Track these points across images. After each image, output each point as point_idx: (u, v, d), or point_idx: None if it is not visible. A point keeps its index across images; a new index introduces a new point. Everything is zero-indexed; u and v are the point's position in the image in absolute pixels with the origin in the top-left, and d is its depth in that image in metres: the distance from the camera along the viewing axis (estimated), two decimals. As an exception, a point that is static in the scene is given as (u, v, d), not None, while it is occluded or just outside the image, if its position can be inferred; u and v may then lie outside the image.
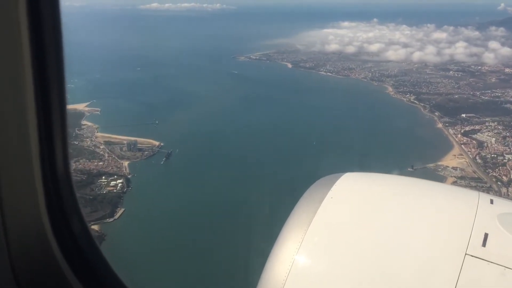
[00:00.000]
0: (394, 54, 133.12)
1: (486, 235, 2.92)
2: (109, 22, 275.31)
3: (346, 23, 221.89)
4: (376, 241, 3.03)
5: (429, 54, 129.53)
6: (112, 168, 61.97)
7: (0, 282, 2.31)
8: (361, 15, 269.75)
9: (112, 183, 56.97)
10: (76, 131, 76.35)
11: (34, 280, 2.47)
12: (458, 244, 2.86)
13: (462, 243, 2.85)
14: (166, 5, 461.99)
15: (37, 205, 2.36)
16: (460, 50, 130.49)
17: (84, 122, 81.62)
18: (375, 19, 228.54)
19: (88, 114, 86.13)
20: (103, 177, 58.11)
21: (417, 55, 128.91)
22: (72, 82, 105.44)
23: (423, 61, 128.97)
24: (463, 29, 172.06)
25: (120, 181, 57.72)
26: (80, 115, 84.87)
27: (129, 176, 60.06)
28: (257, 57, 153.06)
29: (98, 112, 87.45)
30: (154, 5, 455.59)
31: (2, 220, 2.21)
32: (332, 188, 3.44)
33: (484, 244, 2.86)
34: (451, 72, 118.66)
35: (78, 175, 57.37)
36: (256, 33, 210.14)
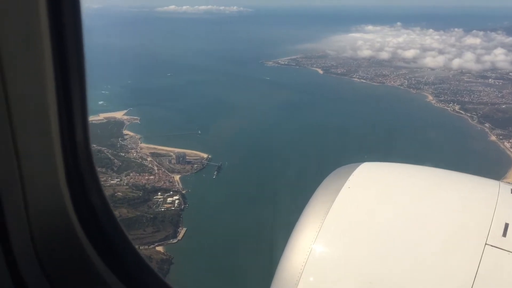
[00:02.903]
0: (432, 60, 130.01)
1: (506, 225, 2.88)
2: (128, 24, 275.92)
3: (370, 27, 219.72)
4: (394, 230, 2.97)
5: (468, 61, 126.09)
6: (164, 183, 60.02)
7: (21, 257, 2.30)
8: (380, 18, 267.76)
9: (169, 199, 55.00)
10: (120, 141, 74.95)
11: (54, 254, 2.47)
12: (478, 234, 2.82)
13: (482, 233, 2.81)
14: (184, 7, 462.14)
15: (57, 180, 2.38)
16: (500, 57, 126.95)
17: (125, 131, 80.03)
18: (398, 23, 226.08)
19: (128, 123, 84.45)
20: (159, 193, 56.14)
21: (456, 62, 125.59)
22: (106, 88, 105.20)
23: (459, 68, 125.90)
24: (494, 34, 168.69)
25: (177, 197, 55.77)
26: (120, 124, 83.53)
27: (183, 192, 58.03)
28: (286, 62, 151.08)
29: (138, 121, 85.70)
30: (172, 7, 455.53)
31: (23, 195, 2.22)
32: (349, 178, 3.40)
33: (504, 234, 2.82)
34: (490, 80, 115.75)
35: (133, 191, 55.78)
36: (278, 37, 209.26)
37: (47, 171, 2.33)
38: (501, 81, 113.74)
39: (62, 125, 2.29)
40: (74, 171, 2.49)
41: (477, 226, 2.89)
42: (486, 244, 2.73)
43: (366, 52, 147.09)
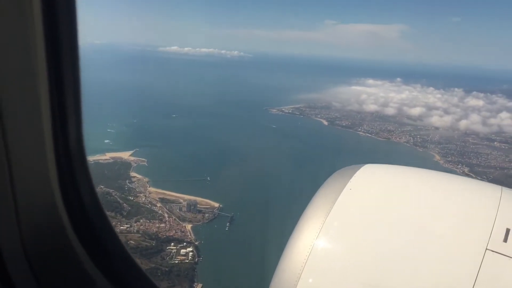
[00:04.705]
0: (439, 120, 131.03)
1: (507, 231, 2.84)
2: (131, 62, 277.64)
3: (371, 81, 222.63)
4: (394, 233, 2.91)
5: (474, 123, 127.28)
6: (176, 233, 57.61)
7: (9, 253, 2.33)
8: (378, 72, 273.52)
9: (182, 251, 52.52)
10: (128, 183, 72.76)
11: (43, 254, 2.49)
12: (478, 239, 2.78)
13: (482, 238, 2.77)
14: (186, 48, 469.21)
15: (48, 178, 2.40)
16: (507, 122, 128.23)
17: (132, 173, 77.86)
18: (398, 79, 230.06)
19: (135, 164, 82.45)
20: (172, 244, 53.72)
21: (463, 124, 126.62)
22: (111, 126, 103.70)
23: (465, 129, 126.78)
24: (495, 97, 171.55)
25: (190, 249, 53.32)
26: (127, 165, 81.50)
27: (196, 243, 55.61)
28: (290, 111, 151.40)
29: (145, 163, 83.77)
30: (174, 48, 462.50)
31: (12, 194, 2.23)
32: (351, 179, 3.36)
33: (505, 240, 2.78)
34: (496, 143, 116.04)
35: (146, 239, 53.36)
36: (279, 83, 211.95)
37: (38, 168, 2.31)
38: (507, 145, 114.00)
39: (55, 122, 2.29)
40: (66, 170, 2.47)
41: (478, 231, 2.81)
42: (486, 249, 2.68)
43: (371, 107, 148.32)
